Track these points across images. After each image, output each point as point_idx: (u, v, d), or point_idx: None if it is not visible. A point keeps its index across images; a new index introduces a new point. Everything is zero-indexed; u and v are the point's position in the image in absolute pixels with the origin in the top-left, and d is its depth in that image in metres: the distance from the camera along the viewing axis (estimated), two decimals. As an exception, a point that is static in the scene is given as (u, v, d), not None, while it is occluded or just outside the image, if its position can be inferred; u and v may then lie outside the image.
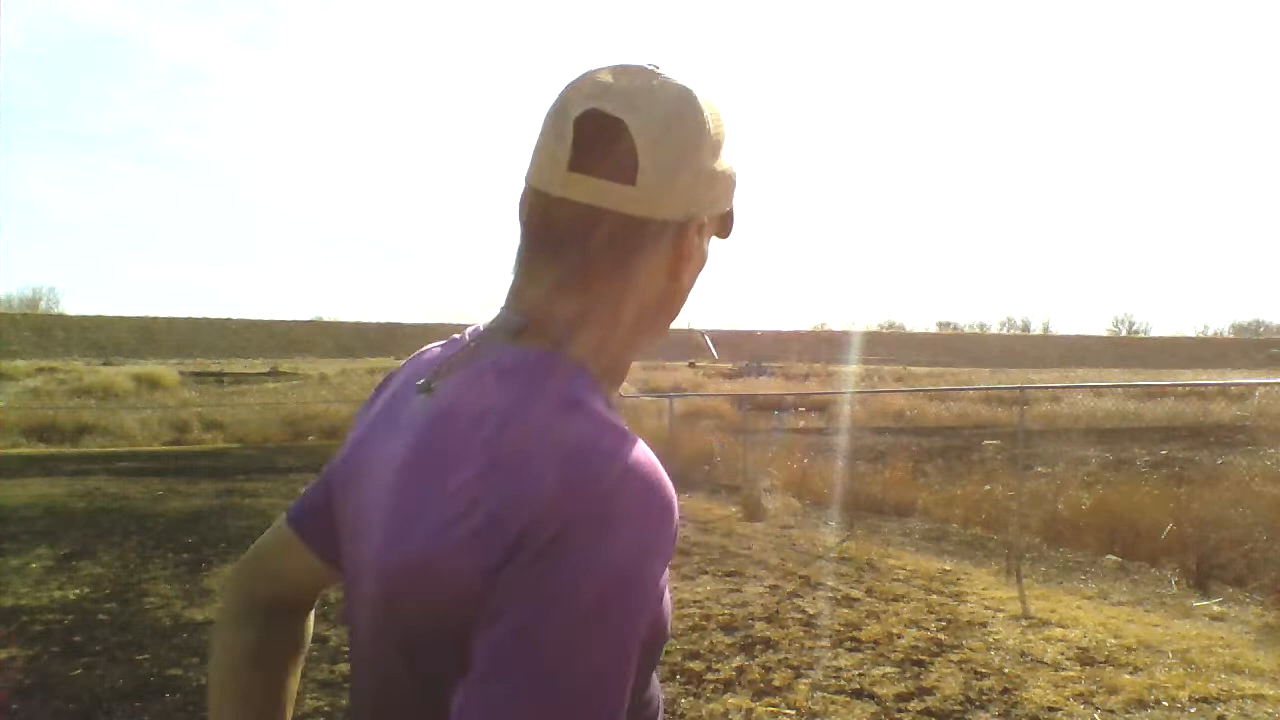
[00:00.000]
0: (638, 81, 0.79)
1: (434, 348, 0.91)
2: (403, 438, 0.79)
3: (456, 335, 0.89)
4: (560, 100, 0.79)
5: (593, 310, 0.80)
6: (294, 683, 1.01)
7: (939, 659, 4.97)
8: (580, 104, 0.77)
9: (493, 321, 0.83)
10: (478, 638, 0.66)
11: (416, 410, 0.80)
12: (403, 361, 0.94)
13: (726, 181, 0.84)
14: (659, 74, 0.81)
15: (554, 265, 0.79)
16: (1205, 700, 4.32)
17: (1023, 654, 5.06)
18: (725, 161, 0.83)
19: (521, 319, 0.80)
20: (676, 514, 0.72)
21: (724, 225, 0.88)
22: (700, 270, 0.86)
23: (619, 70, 0.80)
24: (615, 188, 0.76)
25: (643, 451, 0.72)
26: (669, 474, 0.74)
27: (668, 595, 0.79)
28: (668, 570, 0.76)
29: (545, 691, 0.63)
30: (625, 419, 0.78)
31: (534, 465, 0.69)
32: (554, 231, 0.79)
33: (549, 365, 0.77)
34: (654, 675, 0.86)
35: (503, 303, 0.83)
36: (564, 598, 0.64)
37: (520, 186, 0.84)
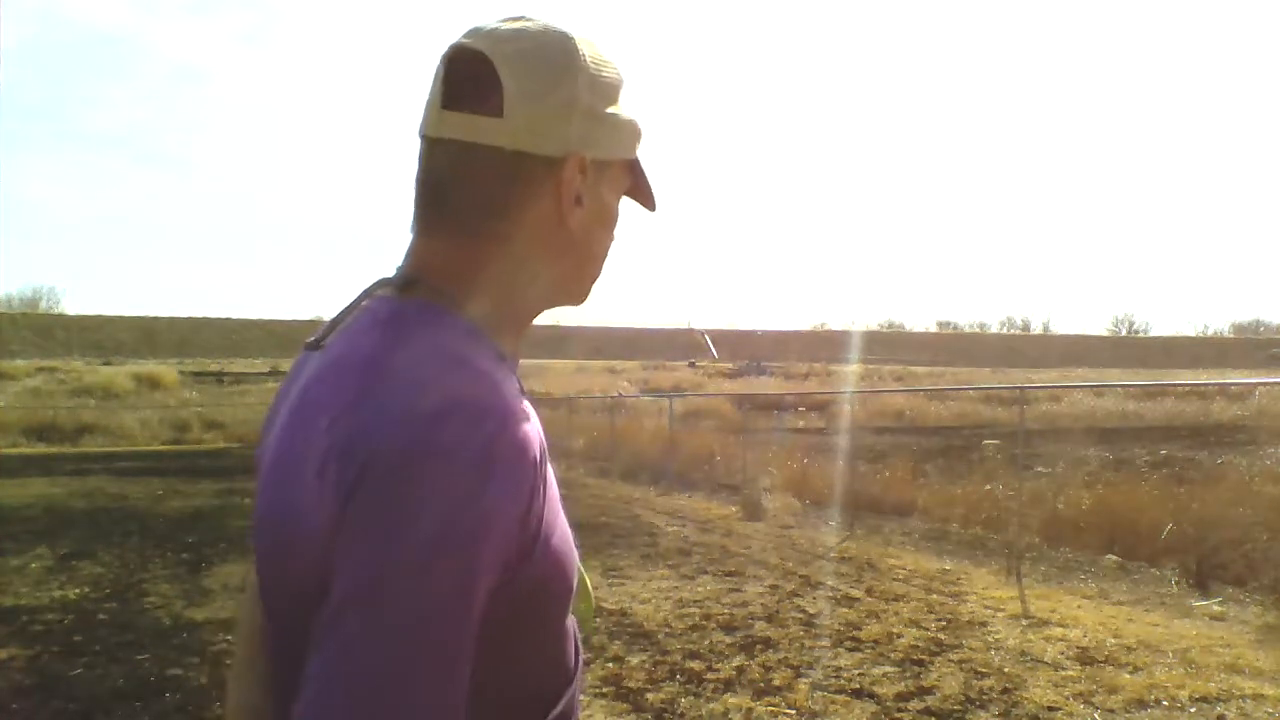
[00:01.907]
0: (506, 23, 0.80)
1: None
2: (293, 397, 0.78)
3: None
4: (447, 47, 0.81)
5: (476, 258, 0.79)
6: None
7: (939, 659, 4.97)
8: (452, 46, 0.79)
9: (386, 278, 0.81)
10: (329, 578, 0.65)
11: (309, 369, 0.79)
12: None
13: (618, 127, 0.83)
14: (532, 17, 0.81)
15: (436, 212, 0.79)
16: (1205, 700, 4.32)
17: (1023, 654, 5.06)
18: (618, 108, 0.83)
19: (408, 272, 0.79)
20: (531, 453, 0.70)
21: (639, 188, 0.89)
22: (603, 223, 0.85)
23: (505, 17, 0.82)
24: (484, 121, 0.76)
25: (497, 393, 0.71)
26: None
27: (557, 540, 0.76)
28: (557, 517, 0.77)
29: (381, 628, 0.62)
30: (517, 375, 0.81)
31: (380, 405, 0.68)
32: (434, 175, 0.79)
33: (422, 314, 0.76)
34: (567, 630, 0.83)
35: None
36: (398, 534, 0.63)
37: None
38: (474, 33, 0.79)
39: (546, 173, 0.79)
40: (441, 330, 0.75)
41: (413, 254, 0.80)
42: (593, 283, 0.88)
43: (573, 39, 0.80)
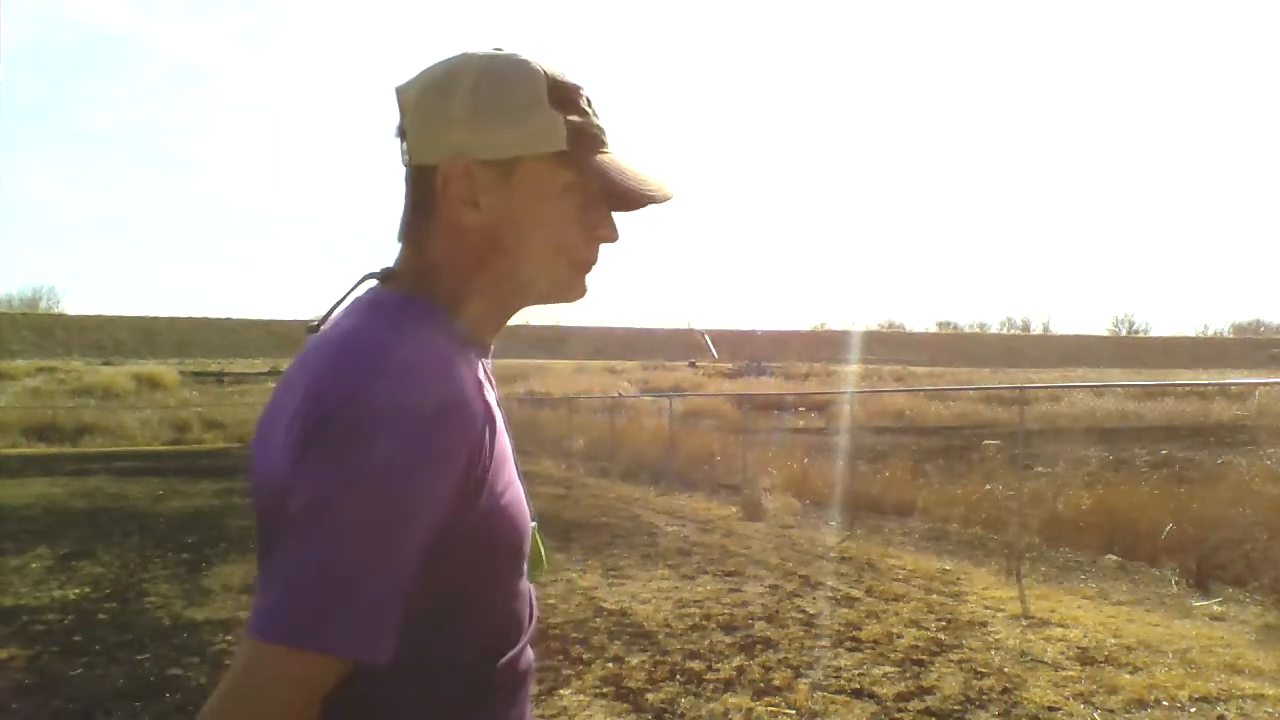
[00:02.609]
0: (446, 60, 0.93)
1: None
2: (285, 379, 0.88)
3: None
4: None
5: (421, 260, 0.92)
6: None
7: (939, 659, 4.97)
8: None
9: (374, 271, 0.95)
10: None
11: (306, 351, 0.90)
12: None
13: (524, 124, 0.89)
14: (473, 52, 0.93)
15: (401, 225, 0.95)
16: (1205, 700, 4.32)
17: (1023, 654, 5.06)
18: (535, 110, 0.90)
19: (388, 269, 0.93)
20: (468, 414, 0.82)
21: (609, 186, 0.93)
22: (530, 222, 0.91)
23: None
24: (401, 145, 0.93)
25: (442, 363, 0.83)
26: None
27: (505, 501, 0.87)
28: (509, 483, 0.88)
29: (321, 538, 0.75)
30: (461, 358, 0.88)
31: (341, 370, 0.80)
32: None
33: (394, 300, 0.89)
34: (520, 591, 0.93)
35: None
36: (340, 466, 0.76)
37: None
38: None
39: (432, 180, 0.90)
40: (405, 313, 0.87)
41: (396, 256, 0.95)
42: (553, 280, 0.95)
43: (465, 55, 0.92)
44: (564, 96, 0.92)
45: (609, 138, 0.96)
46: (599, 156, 0.93)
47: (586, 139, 0.93)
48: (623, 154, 0.96)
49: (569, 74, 0.94)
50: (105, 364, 48.62)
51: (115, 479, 15.48)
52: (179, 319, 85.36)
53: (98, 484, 14.69)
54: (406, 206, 0.93)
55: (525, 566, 0.94)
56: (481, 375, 0.91)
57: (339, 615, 0.75)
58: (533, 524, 0.96)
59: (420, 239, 0.92)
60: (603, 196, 0.94)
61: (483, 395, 0.86)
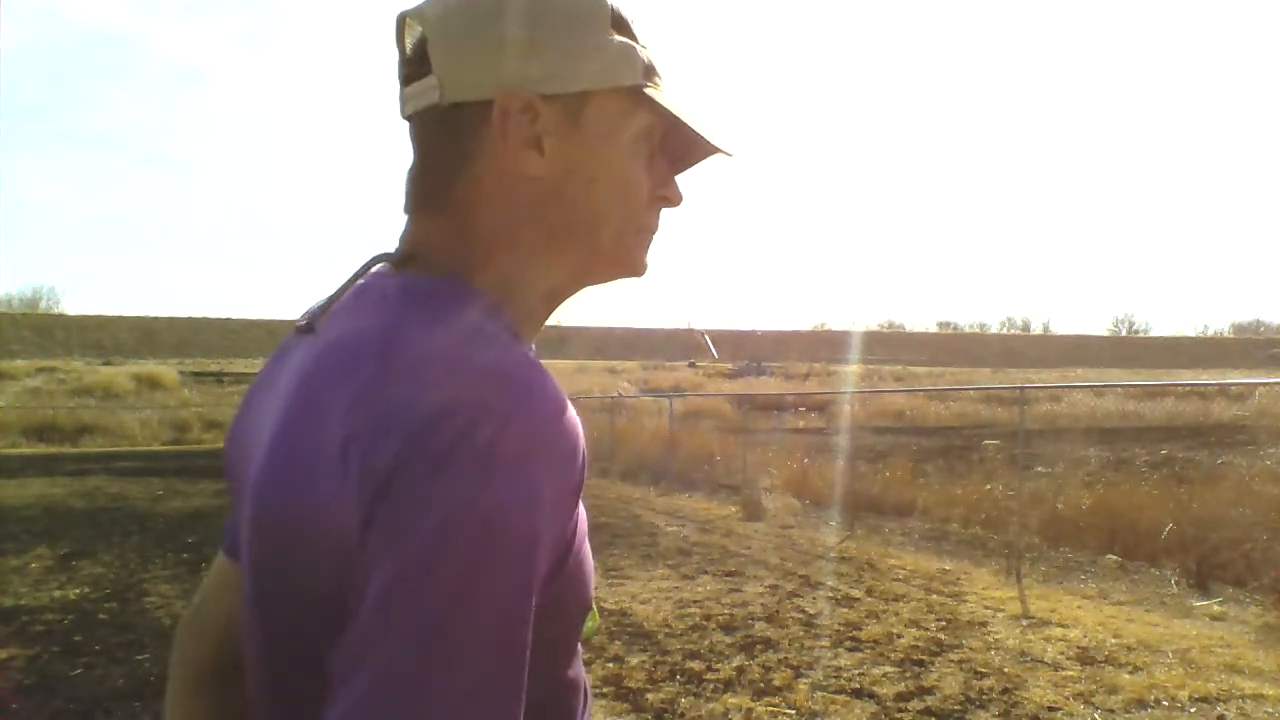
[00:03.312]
0: None
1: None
2: (283, 386, 0.70)
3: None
4: None
5: (455, 231, 0.72)
6: None
7: (939, 659, 4.97)
8: (396, 20, 0.75)
9: (383, 254, 0.75)
10: (357, 590, 0.56)
11: (299, 354, 0.71)
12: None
13: (588, 54, 0.71)
14: None
15: (413, 190, 0.74)
16: (1205, 700, 4.32)
17: (1023, 654, 5.06)
18: (596, 36, 0.72)
19: (404, 251, 0.73)
20: (580, 446, 0.63)
21: (676, 131, 0.76)
22: (601, 169, 0.73)
23: None
24: (423, 84, 0.71)
25: (544, 376, 0.64)
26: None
27: (586, 561, 0.69)
28: (582, 527, 0.68)
29: (432, 645, 0.54)
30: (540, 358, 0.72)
31: (411, 385, 0.60)
32: (413, 156, 0.75)
33: (435, 289, 0.69)
34: (577, 658, 0.74)
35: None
36: (445, 539, 0.55)
37: None
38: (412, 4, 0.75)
39: (481, 120, 0.70)
40: (458, 305, 0.68)
41: (404, 234, 0.75)
42: (625, 244, 0.76)
43: None
44: (623, 26, 0.75)
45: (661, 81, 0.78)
46: (671, 97, 0.76)
47: (655, 77, 0.75)
48: (678, 98, 0.78)
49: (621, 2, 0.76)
50: (105, 364, 48.60)
51: (115, 479, 15.49)
52: (179, 319, 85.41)
53: (98, 484, 14.69)
54: (429, 164, 0.73)
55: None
56: None
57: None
58: None
59: (451, 204, 0.72)
60: (668, 148, 0.78)
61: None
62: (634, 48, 0.74)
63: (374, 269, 0.73)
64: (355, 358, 0.64)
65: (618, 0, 0.75)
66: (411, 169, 0.75)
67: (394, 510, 0.56)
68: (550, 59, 0.70)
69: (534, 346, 0.76)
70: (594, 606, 0.76)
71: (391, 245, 0.76)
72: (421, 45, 0.72)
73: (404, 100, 0.74)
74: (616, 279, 0.80)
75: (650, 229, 0.78)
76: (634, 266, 0.78)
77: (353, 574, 0.57)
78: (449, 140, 0.71)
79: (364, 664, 0.54)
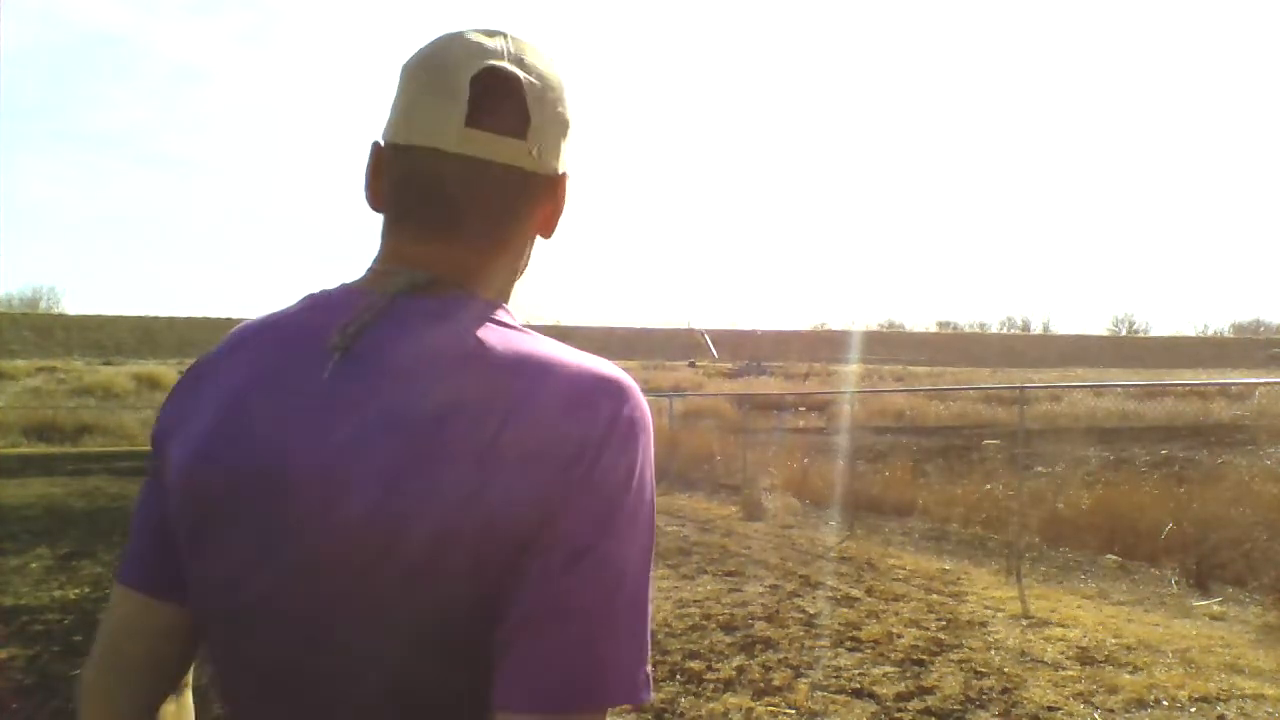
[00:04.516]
0: (514, 45, 0.83)
1: (251, 326, 0.85)
2: (342, 402, 0.72)
3: (280, 310, 0.84)
4: (439, 59, 0.80)
5: (485, 260, 0.82)
6: None
7: (939, 658, 4.97)
8: (471, 63, 0.79)
9: (382, 280, 0.79)
10: (534, 570, 0.67)
11: (342, 372, 0.73)
12: (213, 353, 0.85)
13: (573, 144, 0.88)
14: (521, 38, 0.85)
15: (445, 220, 0.80)
16: (1205, 700, 4.32)
17: (1023, 653, 5.06)
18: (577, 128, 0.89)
19: (426, 274, 0.78)
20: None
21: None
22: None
23: (488, 32, 0.83)
24: (509, 142, 0.79)
25: (601, 360, 0.79)
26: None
27: None
28: None
29: (623, 568, 0.69)
30: None
31: (547, 391, 0.72)
32: (446, 187, 0.79)
33: (476, 306, 0.78)
34: None
35: (378, 264, 0.82)
36: (623, 515, 0.70)
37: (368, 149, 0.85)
38: (490, 52, 0.80)
39: (547, 190, 0.84)
40: (508, 319, 0.79)
41: (411, 256, 0.80)
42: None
43: (561, 65, 0.87)
44: None
45: None
46: None
47: None
48: None
49: None
50: (105, 364, 48.61)
51: (115, 479, 15.47)
52: (179, 319, 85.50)
53: (98, 484, 14.68)
54: (488, 208, 0.81)
55: None
56: None
57: (635, 660, 0.69)
58: None
59: (495, 243, 0.82)
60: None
61: None
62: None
63: (394, 294, 0.77)
64: (460, 373, 0.72)
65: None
66: (442, 199, 0.80)
67: (577, 494, 0.69)
68: (573, 148, 0.86)
69: None
70: None
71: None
72: (504, 102, 0.79)
73: (460, 138, 0.78)
74: None
75: None
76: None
77: (525, 554, 0.68)
78: (519, 197, 0.82)
79: (571, 611, 0.67)
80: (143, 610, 0.84)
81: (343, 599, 0.70)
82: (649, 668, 0.70)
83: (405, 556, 0.67)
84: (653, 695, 0.63)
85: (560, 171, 0.85)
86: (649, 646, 0.70)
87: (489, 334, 0.75)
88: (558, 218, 0.88)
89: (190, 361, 0.93)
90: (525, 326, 0.80)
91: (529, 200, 0.83)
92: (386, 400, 0.71)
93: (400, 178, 0.81)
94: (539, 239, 0.89)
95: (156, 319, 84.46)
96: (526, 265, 0.89)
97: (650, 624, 0.71)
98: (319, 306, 0.80)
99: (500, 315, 0.78)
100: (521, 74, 0.80)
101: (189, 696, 0.90)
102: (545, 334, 0.80)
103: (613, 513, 0.69)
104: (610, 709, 0.67)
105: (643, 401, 0.77)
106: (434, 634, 0.69)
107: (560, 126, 0.84)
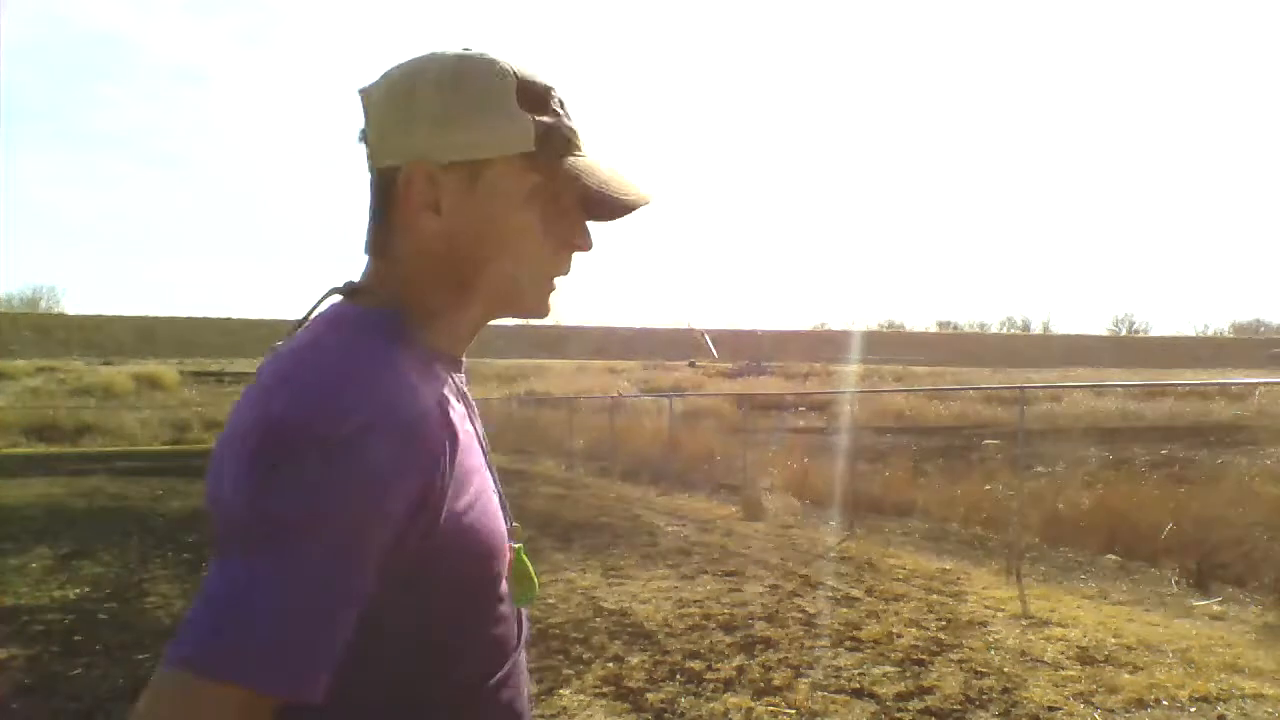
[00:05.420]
0: (411, 62, 0.89)
1: None
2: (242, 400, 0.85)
3: None
4: None
5: (387, 271, 0.88)
6: None
7: (939, 658, 4.97)
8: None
9: (338, 286, 0.90)
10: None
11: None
12: None
13: (491, 127, 0.86)
14: (433, 54, 0.90)
15: (367, 235, 0.91)
16: (1205, 700, 4.32)
17: (1023, 653, 5.06)
18: (474, 112, 0.86)
19: (355, 285, 0.89)
20: (411, 436, 0.77)
21: (553, 175, 0.88)
22: (490, 228, 0.87)
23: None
24: (362, 149, 0.90)
25: (385, 376, 0.79)
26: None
27: (471, 522, 0.83)
28: (466, 497, 0.83)
29: (237, 595, 0.70)
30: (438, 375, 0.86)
31: (277, 389, 0.76)
32: None
33: (349, 315, 0.85)
34: (500, 614, 0.89)
35: None
36: (269, 510, 0.71)
37: None
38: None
39: (395, 185, 0.87)
40: (362, 327, 0.83)
41: (362, 271, 0.91)
42: (520, 288, 0.90)
43: (431, 55, 0.88)
44: (534, 97, 0.88)
45: (583, 140, 0.91)
46: (571, 159, 0.89)
47: (556, 141, 0.88)
48: (599, 157, 0.92)
49: (541, 74, 0.90)
50: (105, 364, 48.57)
51: (115, 479, 15.48)
52: (179, 319, 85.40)
53: (98, 484, 14.68)
54: (370, 215, 0.89)
55: (504, 589, 0.89)
56: (449, 390, 0.87)
57: (259, 644, 0.69)
58: (517, 545, 0.92)
59: (385, 248, 0.88)
60: (575, 201, 0.90)
61: (444, 412, 0.83)
62: (528, 120, 0.86)
63: (330, 298, 0.88)
64: (270, 369, 0.80)
65: (537, 75, 0.89)
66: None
67: (243, 487, 0.73)
68: (450, 133, 0.85)
69: (458, 357, 0.93)
70: (531, 574, 0.93)
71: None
72: (363, 114, 0.89)
73: (366, 159, 0.90)
74: (517, 316, 0.93)
75: (553, 273, 0.92)
76: (528, 308, 0.92)
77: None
78: (377, 198, 0.89)
79: (213, 569, 0.73)
80: None
81: None
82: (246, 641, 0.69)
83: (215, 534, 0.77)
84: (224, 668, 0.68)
85: (403, 161, 0.86)
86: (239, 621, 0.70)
87: (291, 348, 0.81)
88: (424, 210, 0.86)
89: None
90: (382, 337, 0.82)
91: (384, 201, 0.88)
92: (243, 396, 0.81)
93: None
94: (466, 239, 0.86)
95: (156, 319, 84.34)
96: (460, 268, 0.87)
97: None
98: (308, 310, 0.92)
99: (360, 321, 0.84)
100: (369, 85, 0.89)
101: None
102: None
103: (253, 520, 0.72)
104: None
105: (289, 436, 0.73)
106: None
107: (397, 114, 0.86)
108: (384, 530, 0.75)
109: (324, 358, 0.79)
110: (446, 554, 0.80)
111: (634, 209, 0.92)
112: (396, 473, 0.75)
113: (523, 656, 0.94)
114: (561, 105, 0.90)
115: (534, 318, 0.93)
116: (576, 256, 0.93)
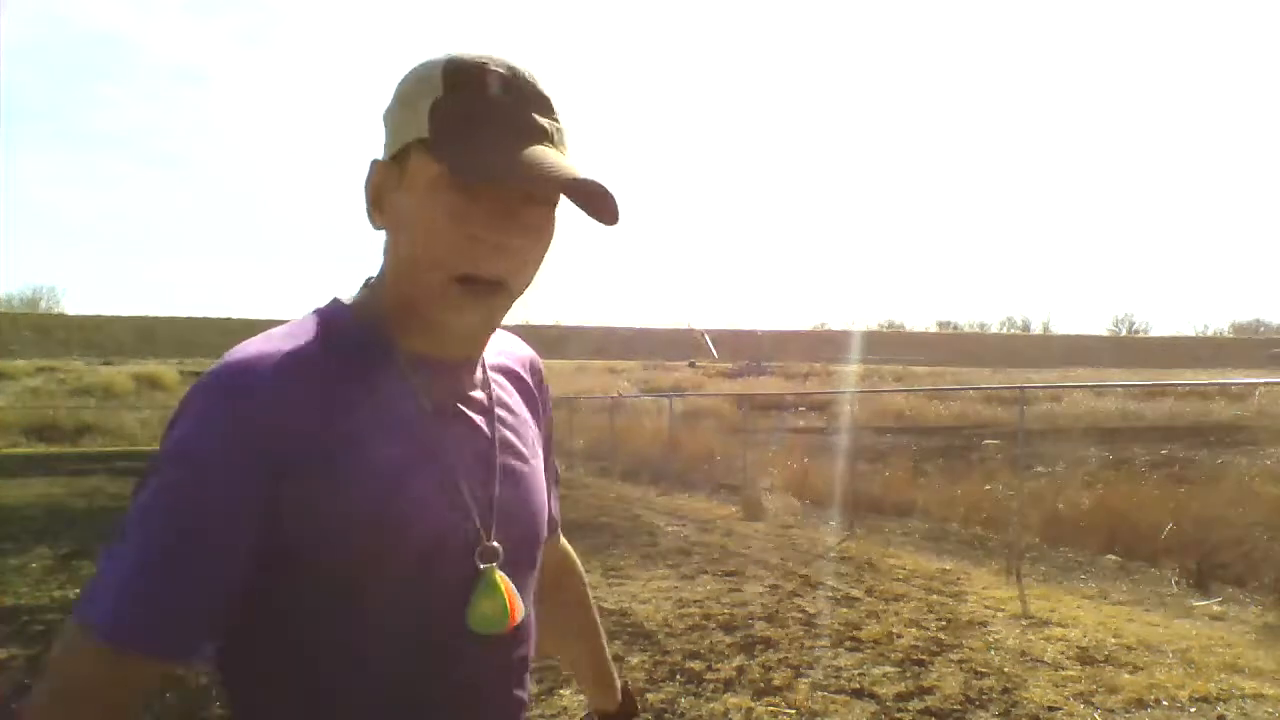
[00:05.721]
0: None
1: None
2: None
3: None
4: None
5: (386, 258, 0.91)
6: None
7: (939, 658, 4.97)
8: None
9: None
10: None
11: None
12: None
13: (404, 120, 0.85)
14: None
15: None
16: (1205, 700, 4.32)
17: (1023, 653, 5.06)
18: (408, 101, 0.85)
19: (369, 280, 0.94)
20: (261, 423, 0.79)
21: (435, 160, 0.81)
22: (399, 224, 0.86)
23: None
24: None
25: (249, 347, 0.83)
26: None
27: (363, 517, 0.82)
28: (353, 491, 0.82)
29: (114, 565, 0.89)
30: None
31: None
32: None
33: (313, 309, 0.91)
34: (379, 625, 0.85)
35: None
36: (140, 488, 0.85)
37: None
38: None
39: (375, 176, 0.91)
40: (306, 319, 0.88)
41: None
42: (429, 287, 0.83)
43: (422, 63, 0.86)
44: (462, 78, 0.82)
45: (519, 118, 0.82)
46: (469, 139, 0.80)
47: (454, 122, 0.81)
48: (502, 136, 0.81)
49: (481, 51, 0.83)
50: (105, 364, 48.56)
51: (115, 479, 15.48)
52: (179, 319, 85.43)
53: (98, 484, 14.69)
54: None
55: (421, 593, 0.85)
56: (386, 384, 0.85)
57: (126, 609, 0.82)
58: (488, 565, 0.88)
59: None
60: (497, 189, 0.81)
61: (326, 390, 0.82)
62: (427, 103, 0.82)
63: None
64: None
65: (474, 53, 0.83)
66: None
67: None
68: (386, 133, 0.87)
69: (430, 351, 0.90)
70: (501, 595, 0.87)
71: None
72: None
73: None
74: (437, 320, 0.86)
75: (449, 268, 0.82)
76: (438, 309, 0.85)
77: None
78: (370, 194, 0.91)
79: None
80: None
81: None
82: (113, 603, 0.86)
83: None
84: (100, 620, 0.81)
85: (376, 157, 0.89)
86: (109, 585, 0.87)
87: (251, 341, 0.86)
88: (375, 206, 0.89)
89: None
90: (357, 330, 0.87)
91: (374, 192, 0.90)
92: None
93: None
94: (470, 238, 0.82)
95: (156, 319, 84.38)
96: (401, 262, 0.86)
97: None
98: None
99: (314, 313, 0.89)
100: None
101: None
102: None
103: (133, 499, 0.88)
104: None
105: (199, 408, 0.82)
106: None
107: (388, 118, 0.88)
108: (231, 512, 0.80)
109: (243, 346, 0.85)
110: (328, 544, 0.81)
111: (517, 182, 0.81)
112: (238, 459, 0.79)
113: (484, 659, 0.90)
114: (502, 80, 0.82)
115: (447, 322, 0.86)
116: (511, 251, 0.83)
